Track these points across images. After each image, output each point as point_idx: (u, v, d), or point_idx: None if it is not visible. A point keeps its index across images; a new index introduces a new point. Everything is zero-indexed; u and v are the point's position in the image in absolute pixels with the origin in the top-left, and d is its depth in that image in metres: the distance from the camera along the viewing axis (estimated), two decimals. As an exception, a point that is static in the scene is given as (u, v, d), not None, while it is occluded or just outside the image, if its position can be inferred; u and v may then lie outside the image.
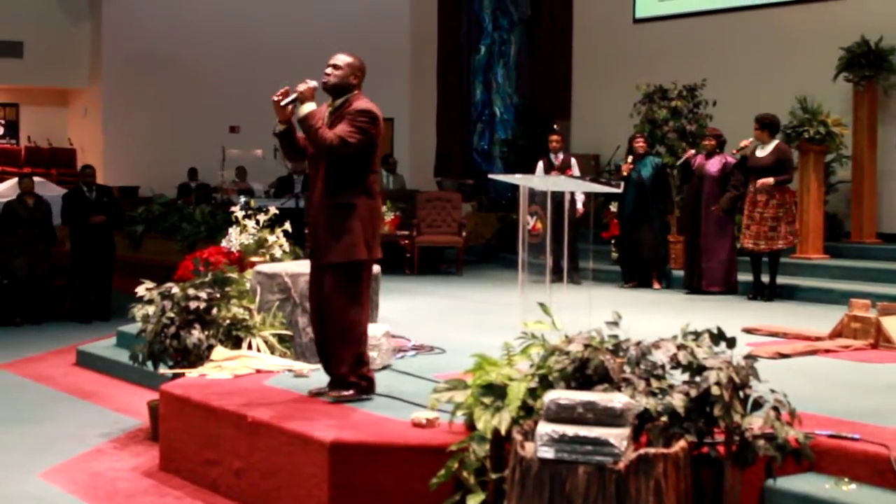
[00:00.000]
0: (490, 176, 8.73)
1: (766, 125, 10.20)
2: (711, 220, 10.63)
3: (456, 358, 6.56)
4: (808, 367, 6.72)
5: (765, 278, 10.21)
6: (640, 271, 11.49)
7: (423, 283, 12.10)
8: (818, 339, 7.55)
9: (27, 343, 10.65)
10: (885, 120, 12.23)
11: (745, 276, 10.54)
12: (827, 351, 7.18)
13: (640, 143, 11.55)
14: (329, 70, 5.56)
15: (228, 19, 19.78)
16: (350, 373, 5.56)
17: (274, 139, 5.74)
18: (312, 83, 5.49)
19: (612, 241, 12.28)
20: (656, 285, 11.34)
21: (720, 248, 10.64)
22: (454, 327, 8.55)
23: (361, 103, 5.51)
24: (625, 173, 11.43)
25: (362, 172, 5.51)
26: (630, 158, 11.52)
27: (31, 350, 10.24)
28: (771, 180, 9.92)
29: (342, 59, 5.59)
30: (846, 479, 4.44)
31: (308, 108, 5.41)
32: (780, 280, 10.29)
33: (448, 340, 7.57)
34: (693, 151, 11.07)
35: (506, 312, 8.06)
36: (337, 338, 5.54)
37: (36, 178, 13.35)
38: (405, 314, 9.14)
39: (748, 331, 8.01)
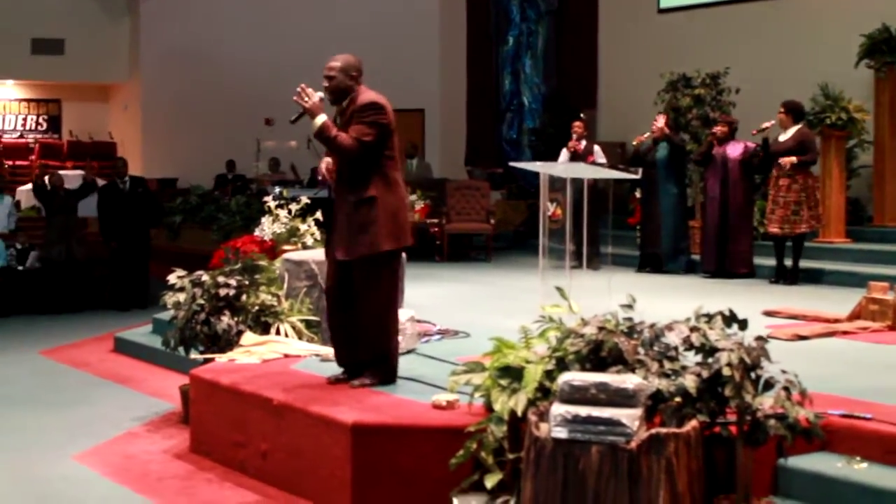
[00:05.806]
0: (510, 164, 8.75)
1: (791, 110, 10.26)
2: (737, 204, 10.66)
3: (480, 342, 6.52)
4: (826, 348, 6.74)
5: (788, 262, 10.22)
6: (656, 254, 11.45)
7: (452, 270, 12.20)
8: (836, 321, 7.57)
9: (67, 331, 10.88)
10: (906, 105, 12.18)
11: (767, 261, 10.55)
12: (845, 333, 7.20)
13: (656, 124, 11.43)
14: (325, 83, 5.55)
15: (263, 13, 19.84)
16: (385, 356, 5.60)
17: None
18: (319, 94, 5.49)
19: (637, 227, 12.32)
20: (671, 267, 11.29)
21: (745, 232, 10.68)
22: (480, 312, 8.61)
23: (364, 97, 5.51)
24: (634, 143, 11.45)
25: (378, 162, 5.51)
26: (647, 135, 11.47)
27: (70, 337, 10.46)
28: (794, 159, 9.94)
29: (333, 64, 5.55)
30: (858, 458, 4.46)
31: (320, 119, 5.41)
32: (803, 264, 10.28)
33: (473, 325, 7.63)
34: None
35: (530, 297, 8.11)
36: (370, 327, 5.54)
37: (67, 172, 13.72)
38: (434, 300, 9.22)
39: (769, 313, 8.03)
